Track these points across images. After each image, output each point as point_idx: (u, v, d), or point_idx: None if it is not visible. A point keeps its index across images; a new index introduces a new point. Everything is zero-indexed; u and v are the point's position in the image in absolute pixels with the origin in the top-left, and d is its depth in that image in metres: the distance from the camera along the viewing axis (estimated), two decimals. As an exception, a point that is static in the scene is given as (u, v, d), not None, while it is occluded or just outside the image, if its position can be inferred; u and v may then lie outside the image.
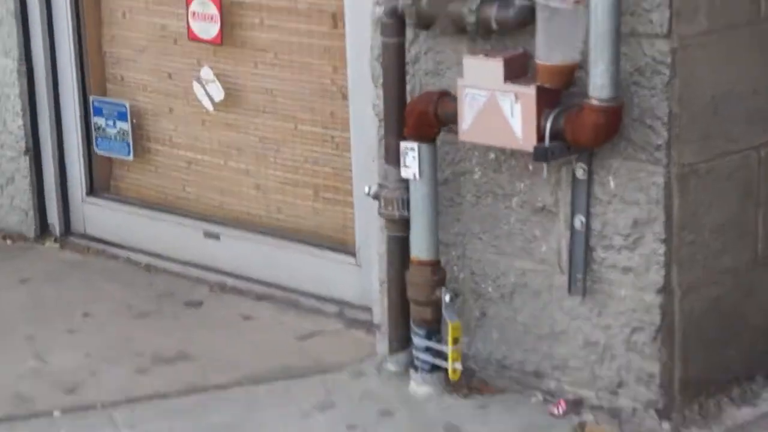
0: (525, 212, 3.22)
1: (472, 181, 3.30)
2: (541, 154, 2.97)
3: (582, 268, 3.14)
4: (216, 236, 4.06)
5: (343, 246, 3.81)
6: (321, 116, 3.78)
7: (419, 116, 3.18)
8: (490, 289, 3.34)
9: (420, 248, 3.29)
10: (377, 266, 3.62)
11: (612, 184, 3.05)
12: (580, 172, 3.08)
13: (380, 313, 3.62)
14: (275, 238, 3.95)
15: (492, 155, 3.24)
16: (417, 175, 3.20)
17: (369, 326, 3.69)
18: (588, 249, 3.12)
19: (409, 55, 3.28)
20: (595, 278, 3.13)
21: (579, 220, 3.11)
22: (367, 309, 3.73)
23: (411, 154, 3.20)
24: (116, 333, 3.80)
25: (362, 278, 3.73)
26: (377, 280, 3.64)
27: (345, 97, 3.70)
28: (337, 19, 3.64)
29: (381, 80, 3.39)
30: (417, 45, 3.30)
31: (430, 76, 3.30)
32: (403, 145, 3.21)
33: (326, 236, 3.85)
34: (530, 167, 3.19)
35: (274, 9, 3.77)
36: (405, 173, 3.22)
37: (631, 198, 3.02)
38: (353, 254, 3.76)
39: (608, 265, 3.10)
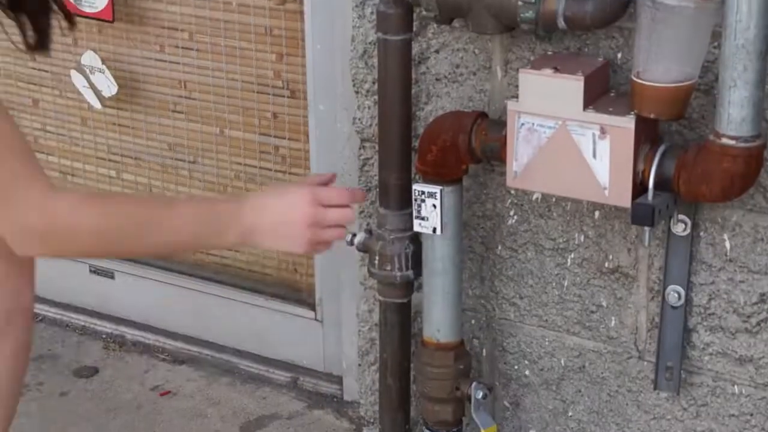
0: (586, 273, 2.32)
1: (505, 227, 2.37)
2: (644, 215, 2.04)
3: (677, 355, 2.26)
4: (108, 274, 3.04)
5: (295, 293, 2.84)
6: (259, 119, 2.77)
7: (445, 150, 2.22)
8: (527, 372, 2.45)
9: (439, 326, 2.35)
10: (348, 324, 2.69)
11: (728, 244, 2.16)
12: (680, 228, 2.19)
13: (357, 389, 2.69)
14: (194, 279, 2.95)
15: (537, 195, 2.32)
16: (439, 230, 2.26)
17: (339, 405, 2.75)
18: (686, 330, 2.25)
19: (412, 52, 2.32)
20: (692, 368, 2.26)
21: (675, 292, 2.22)
22: (334, 378, 2.79)
23: (430, 202, 2.25)
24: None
25: (326, 338, 2.79)
26: (350, 343, 2.70)
27: (295, 95, 2.70)
28: (286, -9, 2.62)
29: (366, 87, 2.42)
30: (424, 39, 2.33)
31: (444, 84, 2.34)
32: (418, 188, 2.25)
33: (269, 278, 2.87)
34: (596, 213, 2.28)
35: (189, -26, 2.73)
36: (419, 227, 2.27)
37: (759, 265, 2.14)
38: (310, 306, 2.80)
39: (715, 352, 2.23)
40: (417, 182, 2.26)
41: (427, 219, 2.25)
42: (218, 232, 1.85)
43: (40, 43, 1.76)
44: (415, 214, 2.25)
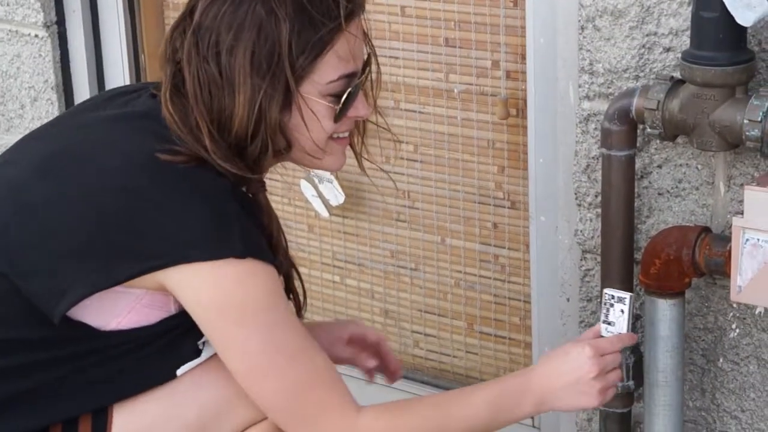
0: (811, 389, 2.33)
1: (726, 340, 2.39)
2: None
3: None
4: (332, 376, 3.15)
5: (513, 400, 2.90)
6: (480, 229, 2.87)
7: (668, 263, 2.27)
8: (749, 486, 2.45)
9: (659, 437, 2.39)
10: (567, 433, 2.73)
11: None
12: None
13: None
14: (413, 382, 3.03)
15: (759, 309, 2.34)
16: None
17: None
18: None
19: (635, 167, 2.38)
20: None
21: None
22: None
23: (618, 307, 2.15)
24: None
25: (543, 447, 2.84)
26: (569, 454, 2.74)
27: (515, 206, 2.79)
28: (509, 106, 2.72)
29: (588, 200, 2.48)
30: (646, 155, 2.39)
31: (666, 198, 2.39)
32: (608, 292, 2.17)
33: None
34: (821, 329, 2.29)
35: (415, 89, 2.84)
36: (605, 332, 2.16)
37: None
38: (528, 412, 2.85)
39: None
40: (608, 288, 2.22)
41: (614, 324, 2.20)
42: (512, 408, 2.08)
43: None
44: (602, 318, 2.22)
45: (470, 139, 2.81)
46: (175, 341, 2.03)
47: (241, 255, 1.91)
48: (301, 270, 3.13)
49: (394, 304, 3.06)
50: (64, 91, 3.30)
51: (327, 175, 3.00)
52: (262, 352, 1.95)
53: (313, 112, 1.99)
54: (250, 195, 2.04)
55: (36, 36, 3.26)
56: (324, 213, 3.04)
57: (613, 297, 2.23)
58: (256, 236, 1.97)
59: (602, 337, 2.20)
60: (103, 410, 2.05)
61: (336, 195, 3.00)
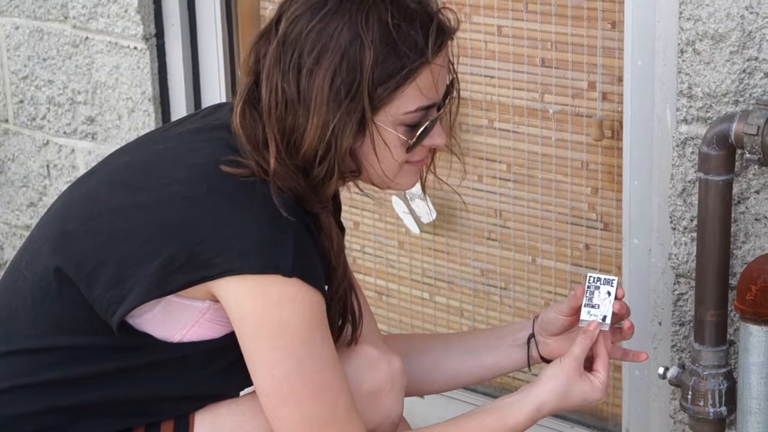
0: None
1: (821, 369, 2.37)
2: None
3: None
4: (418, 392, 3.16)
5: (601, 422, 2.88)
6: (571, 250, 2.86)
7: (765, 290, 2.25)
8: None
9: (754, 468, 2.37)
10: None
11: None
12: None
13: None
14: (488, 398, 3.03)
15: None
16: (608, 319, 2.17)
17: None
18: None
19: (732, 192, 2.36)
20: None
21: None
22: None
23: (604, 289, 2.19)
24: None
25: (633, 472, 2.82)
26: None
27: (608, 228, 2.78)
28: (604, 128, 2.71)
29: (683, 224, 2.47)
30: (744, 180, 2.38)
31: (763, 224, 2.37)
32: (593, 275, 2.20)
33: (575, 405, 2.94)
34: None
35: (510, 109, 2.85)
36: (588, 315, 2.18)
37: None
38: (616, 435, 2.85)
39: None
40: (592, 273, 2.26)
41: (598, 307, 2.19)
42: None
43: None
44: (585, 302, 2.20)
45: (564, 159, 2.81)
46: (241, 360, 2.02)
47: (288, 274, 1.90)
48: (391, 286, 3.19)
49: (482, 322, 3.06)
50: (161, 103, 3.35)
51: (419, 192, 3.00)
52: (286, 379, 1.95)
53: (384, 142, 1.98)
54: (312, 215, 2.01)
55: (135, 48, 3.31)
56: (415, 230, 3.05)
57: (599, 279, 2.21)
58: (309, 258, 1.95)
59: (583, 320, 2.20)
60: (185, 416, 2.07)
61: (427, 212, 3.02)
